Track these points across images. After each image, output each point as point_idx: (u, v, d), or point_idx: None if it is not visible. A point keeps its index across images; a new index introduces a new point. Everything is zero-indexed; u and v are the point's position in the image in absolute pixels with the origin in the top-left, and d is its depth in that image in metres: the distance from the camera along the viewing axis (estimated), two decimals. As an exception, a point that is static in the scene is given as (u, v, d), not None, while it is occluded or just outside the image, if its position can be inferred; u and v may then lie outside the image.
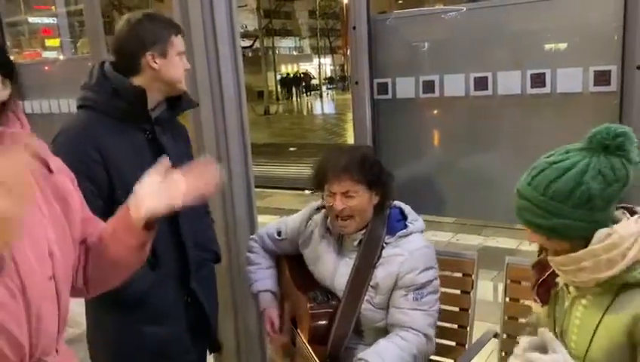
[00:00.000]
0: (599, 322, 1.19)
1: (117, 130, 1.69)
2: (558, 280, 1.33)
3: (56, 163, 1.17)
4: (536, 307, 1.39)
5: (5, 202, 0.79)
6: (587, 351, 1.21)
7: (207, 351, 2.11)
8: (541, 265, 1.37)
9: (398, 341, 1.70)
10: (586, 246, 1.17)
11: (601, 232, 1.16)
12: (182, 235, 1.81)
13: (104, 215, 1.39)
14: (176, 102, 1.84)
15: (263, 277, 2.07)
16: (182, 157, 1.88)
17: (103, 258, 1.20)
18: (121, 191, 1.64)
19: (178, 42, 1.76)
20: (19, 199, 0.82)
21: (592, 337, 1.20)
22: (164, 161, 1.16)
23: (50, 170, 1.13)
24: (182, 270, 1.83)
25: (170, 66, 1.74)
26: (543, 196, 1.17)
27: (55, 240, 1.09)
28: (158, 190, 1.13)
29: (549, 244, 1.24)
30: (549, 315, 1.36)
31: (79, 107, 1.77)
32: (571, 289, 1.28)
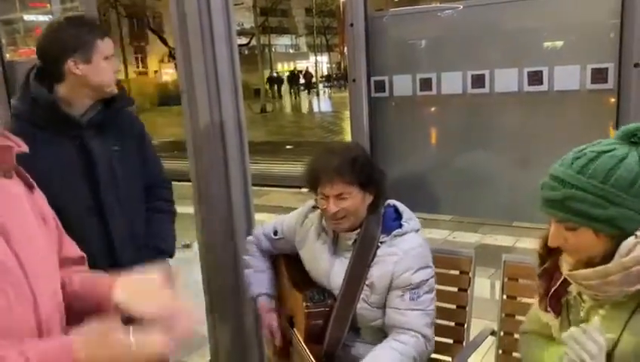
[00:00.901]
0: (622, 332, 1.14)
1: (43, 140, 1.65)
2: (570, 289, 1.27)
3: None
4: (548, 317, 1.32)
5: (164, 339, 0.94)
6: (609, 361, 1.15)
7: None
8: (548, 274, 1.31)
9: (397, 345, 1.70)
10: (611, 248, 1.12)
11: (628, 242, 1.10)
12: (113, 241, 1.79)
13: None
14: (112, 102, 1.80)
15: (261, 279, 2.07)
16: (126, 154, 1.85)
17: (73, 306, 1.15)
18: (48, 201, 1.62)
19: (104, 46, 1.71)
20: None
21: (614, 348, 1.14)
22: (165, 267, 1.09)
23: (30, 187, 1.12)
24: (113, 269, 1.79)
25: (96, 72, 1.70)
26: (603, 184, 1.10)
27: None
28: (148, 297, 1.06)
29: (581, 242, 1.15)
30: (562, 326, 1.29)
31: (11, 115, 1.74)
32: (586, 298, 1.23)
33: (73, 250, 1.25)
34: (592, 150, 1.15)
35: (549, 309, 1.30)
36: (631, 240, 1.10)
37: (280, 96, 31.76)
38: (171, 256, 2.04)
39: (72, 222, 1.58)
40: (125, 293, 1.08)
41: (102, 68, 1.71)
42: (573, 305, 1.27)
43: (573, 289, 1.26)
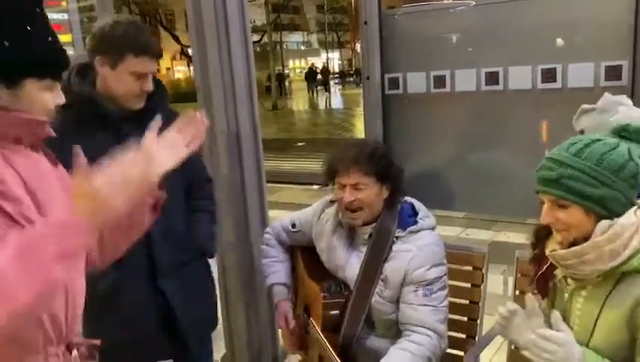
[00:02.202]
0: (600, 311, 1.23)
1: (84, 133, 1.64)
2: (556, 272, 1.36)
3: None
4: (535, 299, 1.40)
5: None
6: (589, 340, 1.25)
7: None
8: (537, 260, 1.40)
9: (411, 346, 1.71)
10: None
11: (603, 224, 1.19)
12: (150, 236, 1.74)
13: None
14: (152, 96, 1.79)
15: (277, 270, 2.10)
16: None
17: (117, 224, 1.17)
18: None
19: (135, 62, 1.69)
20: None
21: (594, 327, 1.24)
22: (157, 122, 1.10)
23: (55, 163, 1.17)
24: (150, 270, 1.80)
25: (116, 80, 1.70)
26: (597, 166, 1.19)
27: None
28: (161, 147, 1.10)
29: (571, 220, 1.23)
30: (549, 308, 1.39)
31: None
32: (570, 281, 1.31)
33: None
34: (586, 138, 1.26)
35: (535, 291, 1.40)
36: (605, 222, 1.19)
37: (285, 94, 31.05)
38: (212, 256, 2.05)
39: None
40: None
41: (124, 81, 1.70)
42: (559, 288, 1.37)
43: (558, 273, 1.35)
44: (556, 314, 1.30)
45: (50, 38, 1.05)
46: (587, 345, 1.24)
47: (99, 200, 0.91)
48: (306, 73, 34.18)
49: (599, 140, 1.24)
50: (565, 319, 1.31)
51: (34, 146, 1.09)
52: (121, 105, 1.74)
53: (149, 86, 1.75)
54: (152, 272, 1.80)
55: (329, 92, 31.61)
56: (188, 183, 1.94)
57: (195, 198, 1.99)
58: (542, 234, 1.39)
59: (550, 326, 1.30)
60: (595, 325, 1.24)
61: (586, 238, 1.22)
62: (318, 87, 31.82)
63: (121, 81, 1.70)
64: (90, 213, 0.90)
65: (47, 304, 0.95)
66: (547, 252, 1.32)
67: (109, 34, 1.68)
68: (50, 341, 1.05)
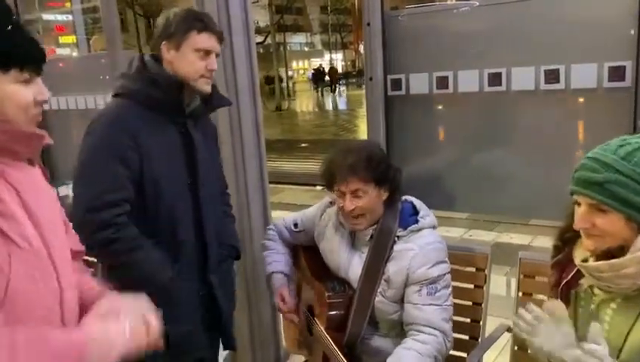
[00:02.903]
0: (632, 326, 1.15)
1: (150, 119, 1.70)
2: (581, 281, 1.28)
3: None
4: (563, 307, 1.31)
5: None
6: (618, 356, 1.18)
7: (222, 348, 2.09)
8: (561, 265, 1.33)
9: (417, 346, 1.71)
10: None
11: None
12: (204, 230, 1.82)
13: (132, 198, 1.61)
14: (209, 99, 1.82)
15: (277, 259, 2.11)
16: (211, 153, 1.91)
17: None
18: (148, 176, 1.67)
19: (198, 39, 1.70)
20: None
21: (624, 342, 1.17)
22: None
23: (47, 178, 1.15)
24: (202, 265, 1.85)
25: (181, 60, 1.70)
26: None
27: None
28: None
29: (609, 227, 1.16)
30: (571, 317, 1.30)
31: (115, 95, 1.77)
32: (597, 291, 1.24)
33: (78, 243, 1.27)
34: (636, 140, 1.17)
35: (559, 299, 1.32)
36: None
37: (289, 95, 30.92)
38: (239, 257, 2.11)
39: (167, 203, 1.72)
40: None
41: (189, 59, 1.70)
42: (584, 298, 1.29)
43: (584, 282, 1.28)
44: (597, 327, 1.19)
45: (8, 26, 0.96)
46: (617, 359, 1.18)
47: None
48: (313, 74, 34.09)
49: None
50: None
51: (30, 160, 1.06)
52: (190, 90, 1.75)
53: (214, 65, 1.75)
54: (204, 266, 1.85)
55: (335, 93, 31.43)
56: (222, 192, 2.05)
57: (223, 204, 2.06)
58: (568, 237, 1.30)
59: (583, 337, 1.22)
60: (625, 341, 1.16)
61: (621, 247, 1.15)
62: (325, 88, 31.65)
63: (186, 60, 1.71)
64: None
65: None
66: (577, 262, 1.24)
67: (171, 20, 1.72)
68: None
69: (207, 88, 1.76)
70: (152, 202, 1.70)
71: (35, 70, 1.00)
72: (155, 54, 1.75)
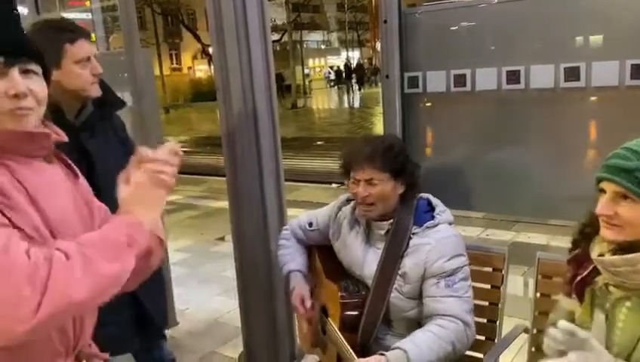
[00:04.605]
0: None
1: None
2: (597, 279, 1.27)
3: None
4: (571, 304, 1.34)
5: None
6: (631, 354, 1.17)
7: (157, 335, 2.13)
8: (577, 261, 1.32)
9: (435, 329, 1.69)
10: None
11: None
12: None
13: None
14: (104, 103, 1.79)
15: (294, 258, 2.11)
16: (115, 153, 1.80)
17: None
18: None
19: (75, 50, 1.67)
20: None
21: (638, 342, 1.16)
22: (137, 156, 1.11)
23: (76, 176, 1.16)
24: None
25: (68, 76, 1.67)
26: None
27: None
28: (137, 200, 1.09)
29: (631, 217, 1.15)
30: (586, 315, 1.30)
31: None
32: (612, 289, 1.23)
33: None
34: None
35: (573, 296, 1.31)
36: None
37: (305, 92, 30.82)
38: None
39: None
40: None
41: (74, 72, 1.68)
42: (599, 296, 1.28)
43: (600, 279, 1.26)
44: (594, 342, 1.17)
45: None
46: (630, 357, 1.17)
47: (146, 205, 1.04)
48: (337, 71, 33.85)
49: None
50: (607, 330, 1.24)
51: (45, 158, 1.07)
52: (80, 100, 1.72)
53: (98, 67, 1.72)
54: None
55: (357, 90, 31.13)
56: None
57: None
58: (587, 233, 1.30)
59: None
60: (638, 340, 1.16)
61: (638, 243, 1.14)
62: (350, 85, 31.31)
63: (72, 75, 1.67)
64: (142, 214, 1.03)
65: (118, 286, 0.98)
66: (594, 256, 1.24)
67: (38, 38, 1.60)
68: (59, 353, 1.04)
69: (98, 91, 1.75)
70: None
71: (3, 63, 0.98)
72: None
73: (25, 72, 1.01)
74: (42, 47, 1.58)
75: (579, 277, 1.30)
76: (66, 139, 1.09)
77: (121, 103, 1.93)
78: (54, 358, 1.03)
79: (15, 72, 1.00)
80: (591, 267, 1.28)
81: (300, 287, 2.04)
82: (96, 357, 1.16)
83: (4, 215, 0.92)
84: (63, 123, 1.65)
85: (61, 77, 1.66)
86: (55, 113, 1.64)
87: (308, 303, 2.00)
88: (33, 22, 1.70)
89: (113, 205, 1.74)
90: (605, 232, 1.20)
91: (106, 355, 1.21)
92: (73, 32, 1.69)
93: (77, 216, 1.11)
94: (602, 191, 1.19)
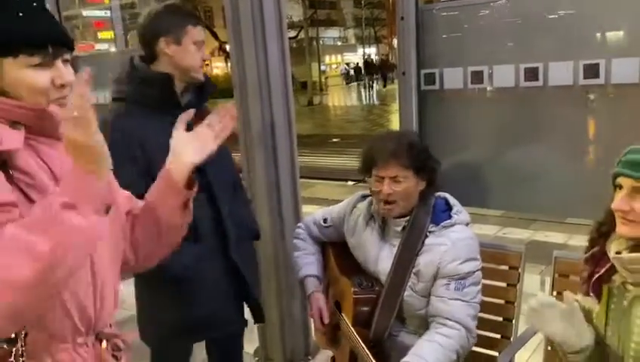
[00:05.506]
0: None
1: (149, 118, 1.76)
2: (614, 277, 1.26)
3: None
4: (589, 302, 1.33)
5: (77, 133, 0.87)
6: None
7: (253, 322, 2.15)
8: (594, 259, 1.31)
9: (439, 338, 1.70)
10: None
11: None
12: (220, 211, 1.87)
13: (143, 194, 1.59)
14: (202, 89, 1.90)
15: (309, 262, 2.11)
16: None
17: (149, 224, 1.22)
18: (156, 172, 1.71)
19: (195, 32, 1.81)
20: (87, 130, 0.87)
21: None
22: (184, 116, 1.18)
23: None
24: (222, 243, 1.90)
25: (185, 53, 1.79)
26: None
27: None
28: (189, 143, 1.15)
29: None
30: (602, 313, 1.30)
31: (113, 100, 1.86)
32: (630, 287, 1.22)
33: (132, 202, 1.28)
34: None
35: (591, 294, 1.30)
36: None
37: (320, 89, 30.70)
38: (259, 237, 2.18)
39: None
40: (183, 158, 1.16)
41: (190, 51, 1.80)
42: (616, 294, 1.27)
43: (617, 278, 1.25)
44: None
45: (20, 13, 0.96)
46: None
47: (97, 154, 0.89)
48: (355, 67, 33.52)
49: None
50: (624, 328, 1.23)
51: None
52: (186, 82, 1.83)
53: (207, 55, 1.88)
54: (224, 246, 1.90)
55: (374, 87, 30.85)
56: (235, 180, 2.09)
57: (235, 190, 2.09)
58: (604, 231, 1.29)
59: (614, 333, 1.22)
60: None
61: None
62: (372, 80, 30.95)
63: (188, 53, 1.80)
64: (92, 163, 0.88)
65: (71, 256, 0.88)
66: (611, 254, 1.23)
67: (162, 17, 1.79)
68: (79, 331, 1.06)
69: (202, 77, 1.87)
70: None
71: (51, 54, 0.99)
72: (142, 55, 1.83)
73: (65, 62, 1.04)
74: (169, 24, 1.78)
75: (596, 276, 1.29)
76: (9, 146, 1.02)
77: (214, 88, 2.03)
78: (75, 336, 1.06)
79: (60, 63, 1.02)
80: (608, 265, 1.27)
81: (316, 298, 2.04)
82: (116, 337, 1.18)
83: (24, 194, 0.95)
84: (171, 94, 1.79)
85: (179, 52, 1.79)
86: (167, 81, 1.78)
87: (326, 320, 2.02)
88: (155, 8, 1.83)
89: (216, 177, 1.84)
90: (622, 228, 1.19)
91: (127, 335, 1.22)
92: (196, 18, 1.87)
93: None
94: (619, 186, 1.18)
